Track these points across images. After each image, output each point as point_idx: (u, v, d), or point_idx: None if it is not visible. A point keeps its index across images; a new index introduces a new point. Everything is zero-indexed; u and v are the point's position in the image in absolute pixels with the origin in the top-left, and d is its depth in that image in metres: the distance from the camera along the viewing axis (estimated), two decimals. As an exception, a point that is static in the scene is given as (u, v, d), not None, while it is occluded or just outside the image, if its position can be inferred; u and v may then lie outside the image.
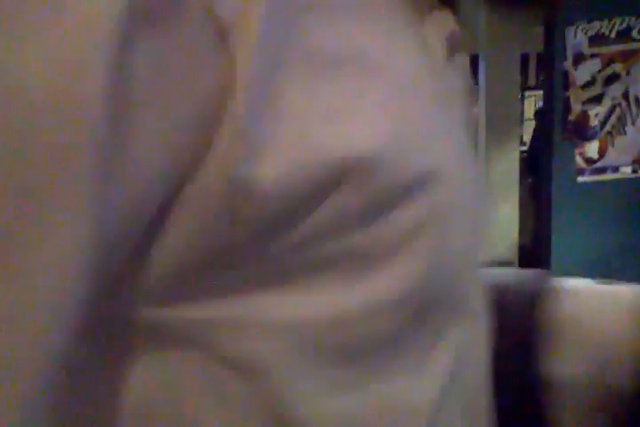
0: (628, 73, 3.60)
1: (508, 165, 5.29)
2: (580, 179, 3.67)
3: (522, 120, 5.74)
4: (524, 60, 5.94)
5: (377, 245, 0.37)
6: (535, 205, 5.24)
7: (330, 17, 0.37)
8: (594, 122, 3.65)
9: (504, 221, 5.35)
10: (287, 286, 0.36)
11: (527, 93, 6.32)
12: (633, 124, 3.60)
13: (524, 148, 5.61)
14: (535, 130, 5.55)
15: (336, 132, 0.35)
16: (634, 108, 3.61)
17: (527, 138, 6.00)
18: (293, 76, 0.34)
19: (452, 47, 0.48)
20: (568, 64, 3.65)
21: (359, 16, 0.39)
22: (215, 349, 0.37)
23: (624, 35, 3.60)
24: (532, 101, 6.86)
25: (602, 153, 3.65)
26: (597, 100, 3.64)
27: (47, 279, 0.28)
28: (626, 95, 3.61)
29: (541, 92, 6.71)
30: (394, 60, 0.40)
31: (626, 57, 3.60)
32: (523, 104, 5.72)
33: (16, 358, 0.28)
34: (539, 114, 5.61)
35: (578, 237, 3.68)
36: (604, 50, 3.63)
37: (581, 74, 3.65)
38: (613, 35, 3.62)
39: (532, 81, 6.87)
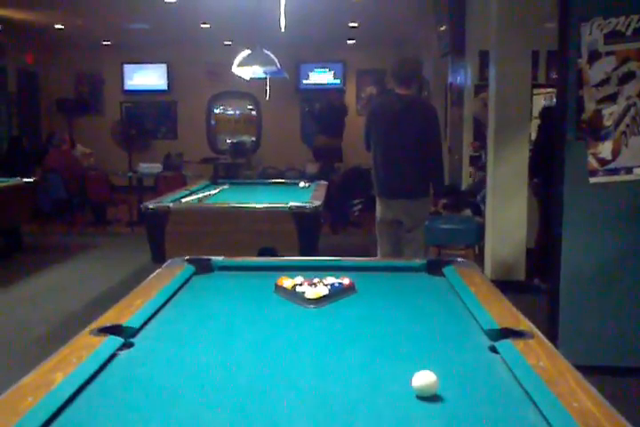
0: (644, 72, 3.50)
1: (517, 164, 5.18)
2: (593, 180, 3.57)
3: (531, 119, 5.61)
4: (534, 56, 5.83)
5: None
6: (545, 206, 5.13)
7: None
8: (608, 121, 3.55)
9: (512, 221, 5.25)
10: None
11: (535, 91, 6.21)
12: (648, 124, 3.51)
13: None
14: (540, 129, 5.41)
15: None
16: (649, 108, 3.51)
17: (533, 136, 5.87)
18: None
19: None
20: (582, 62, 3.55)
21: None
22: None
23: (641, 32, 3.50)
24: (540, 99, 6.75)
25: (615, 154, 3.55)
26: (612, 99, 3.55)
27: None
28: (641, 94, 3.51)
29: (549, 90, 6.63)
30: None
31: (642, 55, 3.51)
32: (532, 102, 5.61)
33: None
34: (546, 112, 5.49)
35: (589, 238, 3.59)
36: (620, 47, 3.53)
37: (596, 72, 3.55)
38: (630, 32, 3.52)
39: (541, 79, 6.77)
